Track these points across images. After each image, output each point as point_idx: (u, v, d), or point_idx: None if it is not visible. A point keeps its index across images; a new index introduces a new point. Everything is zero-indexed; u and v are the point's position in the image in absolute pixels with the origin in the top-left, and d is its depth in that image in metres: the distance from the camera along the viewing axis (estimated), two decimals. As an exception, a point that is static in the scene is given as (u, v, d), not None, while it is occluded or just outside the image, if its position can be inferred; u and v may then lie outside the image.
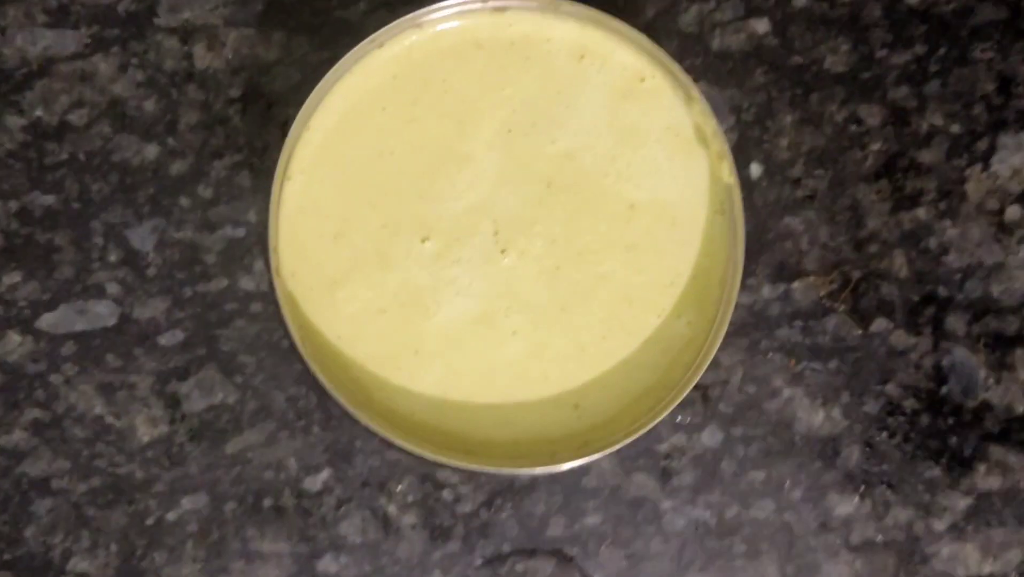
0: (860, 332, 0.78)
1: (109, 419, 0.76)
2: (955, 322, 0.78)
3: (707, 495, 0.77)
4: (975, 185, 0.78)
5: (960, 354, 0.78)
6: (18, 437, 0.75)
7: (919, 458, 0.78)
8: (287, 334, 0.74)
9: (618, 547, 0.77)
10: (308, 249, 0.73)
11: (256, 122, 0.77)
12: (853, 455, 0.78)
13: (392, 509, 0.77)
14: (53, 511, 0.76)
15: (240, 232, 0.76)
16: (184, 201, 0.76)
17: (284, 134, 0.72)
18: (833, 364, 0.78)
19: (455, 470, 0.76)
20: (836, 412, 0.78)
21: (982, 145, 0.78)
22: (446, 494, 0.77)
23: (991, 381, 0.78)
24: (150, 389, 0.76)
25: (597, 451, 0.72)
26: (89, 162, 0.76)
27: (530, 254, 0.73)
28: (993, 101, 0.78)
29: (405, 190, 0.73)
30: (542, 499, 0.77)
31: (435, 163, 0.73)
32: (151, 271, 0.76)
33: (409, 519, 0.77)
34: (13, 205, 0.76)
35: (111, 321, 0.76)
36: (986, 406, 0.78)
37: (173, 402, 0.76)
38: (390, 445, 0.74)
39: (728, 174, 0.72)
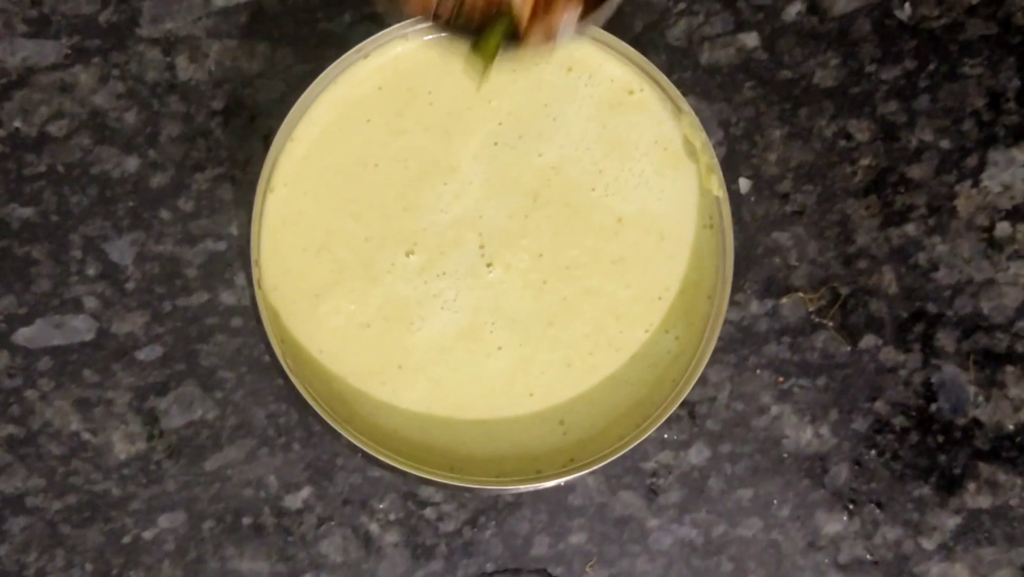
0: (849, 349, 0.77)
1: (85, 435, 0.75)
2: (945, 339, 0.78)
3: (694, 513, 0.77)
4: (965, 201, 0.78)
5: (950, 371, 0.78)
6: (-8, 453, 0.74)
7: (908, 476, 0.77)
8: (268, 349, 0.74)
9: (603, 566, 0.77)
10: (291, 262, 0.72)
11: (238, 134, 0.76)
12: (842, 473, 0.77)
13: (374, 527, 0.76)
14: (27, 529, 0.74)
15: (221, 246, 0.76)
16: (164, 214, 0.75)
17: (267, 146, 0.71)
18: (822, 381, 0.77)
19: (438, 488, 0.75)
20: (824, 429, 0.77)
21: (972, 161, 0.78)
22: (429, 512, 0.76)
23: (981, 398, 0.77)
24: (128, 405, 0.75)
25: (583, 468, 0.71)
26: (68, 174, 0.75)
27: (516, 268, 0.73)
28: (983, 117, 0.78)
29: (390, 202, 0.73)
30: (527, 517, 0.76)
31: (420, 175, 0.72)
32: (130, 285, 0.75)
33: (391, 538, 0.76)
34: (-10, 217, 0.75)
35: (89, 336, 0.75)
36: (976, 423, 0.77)
37: (151, 418, 0.75)
38: (373, 461, 0.74)
39: (717, 187, 0.71)
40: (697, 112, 0.72)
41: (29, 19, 0.75)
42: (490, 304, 0.73)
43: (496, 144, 0.73)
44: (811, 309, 0.77)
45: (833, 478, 0.77)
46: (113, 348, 0.75)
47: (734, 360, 0.77)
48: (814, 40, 0.78)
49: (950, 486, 0.77)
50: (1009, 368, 0.78)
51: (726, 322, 0.74)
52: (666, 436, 0.77)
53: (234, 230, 0.76)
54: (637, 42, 0.73)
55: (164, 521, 0.75)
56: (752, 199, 0.77)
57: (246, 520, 0.75)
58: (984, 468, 0.77)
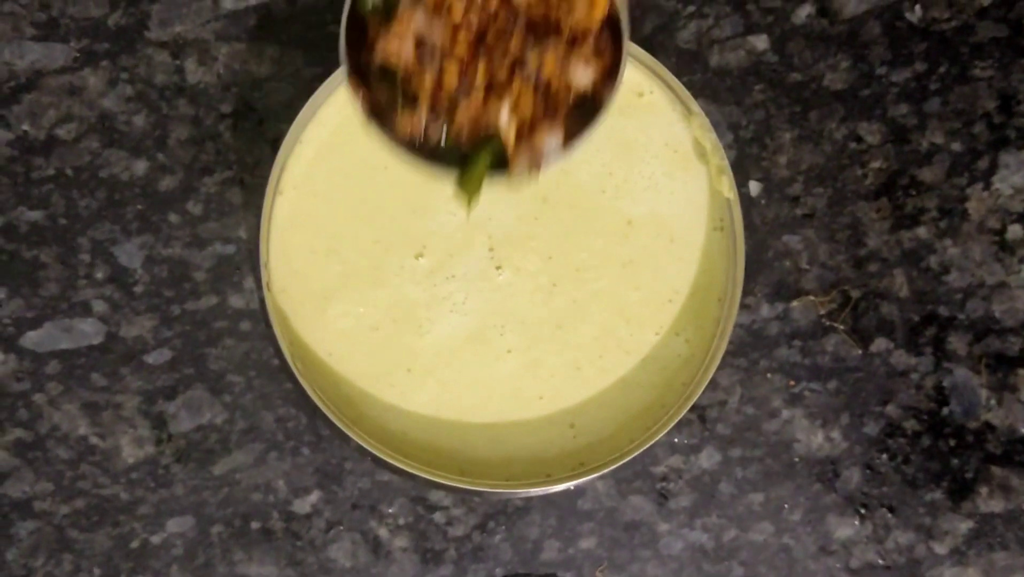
0: (860, 352, 0.77)
1: (94, 439, 0.75)
2: (956, 342, 0.77)
3: (704, 518, 0.76)
4: (976, 204, 0.78)
5: (961, 375, 0.77)
6: (0, 457, 0.74)
7: (920, 480, 0.77)
8: (277, 352, 0.74)
9: (614, 571, 0.76)
10: (299, 265, 0.72)
11: (247, 138, 0.76)
12: (853, 477, 0.77)
13: (383, 532, 0.75)
14: (35, 533, 0.74)
15: (230, 249, 0.75)
16: (173, 217, 0.75)
17: (275, 150, 0.71)
18: (833, 385, 0.77)
19: (447, 492, 0.75)
20: (836, 433, 0.77)
21: (983, 163, 0.78)
22: (438, 517, 0.76)
23: (993, 402, 0.77)
24: (136, 409, 0.75)
25: (593, 471, 0.71)
26: (77, 177, 0.75)
27: (525, 270, 0.73)
28: (994, 119, 0.78)
29: (399, 205, 0.72)
30: (536, 522, 0.76)
31: (429, 178, 0.72)
32: (138, 288, 0.75)
33: (400, 542, 0.75)
34: (-2, 220, 0.75)
35: (97, 339, 0.75)
36: (988, 427, 0.77)
37: (159, 422, 0.75)
38: (381, 464, 0.73)
39: (728, 188, 0.71)
40: (707, 115, 0.72)
41: (38, 22, 0.75)
42: (499, 307, 0.73)
43: (505, 146, 0.73)
44: (822, 312, 0.77)
45: (844, 482, 0.77)
46: (121, 352, 0.75)
47: (744, 364, 0.77)
48: (824, 43, 0.77)
49: (962, 490, 0.77)
50: (1021, 371, 0.77)
51: (736, 325, 0.74)
52: (676, 440, 0.76)
53: (243, 233, 0.75)
54: (646, 45, 0.73)
55: (172, 525, 0.75)
56: (762, 202, 0.77)
57: (255, 524, 0.75)
58: (996, 472, 0.77)
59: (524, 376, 0.73)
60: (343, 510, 0.75)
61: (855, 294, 0.77)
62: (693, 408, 0.73)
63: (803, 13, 0.77)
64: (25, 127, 0.75)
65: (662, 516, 0.76)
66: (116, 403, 0.75)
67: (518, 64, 0.64)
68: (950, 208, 0.77)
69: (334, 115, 0.72)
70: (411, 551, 0.76)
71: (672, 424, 0.71)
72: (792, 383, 0.77)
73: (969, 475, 0.77)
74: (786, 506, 0.77)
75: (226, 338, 0.75)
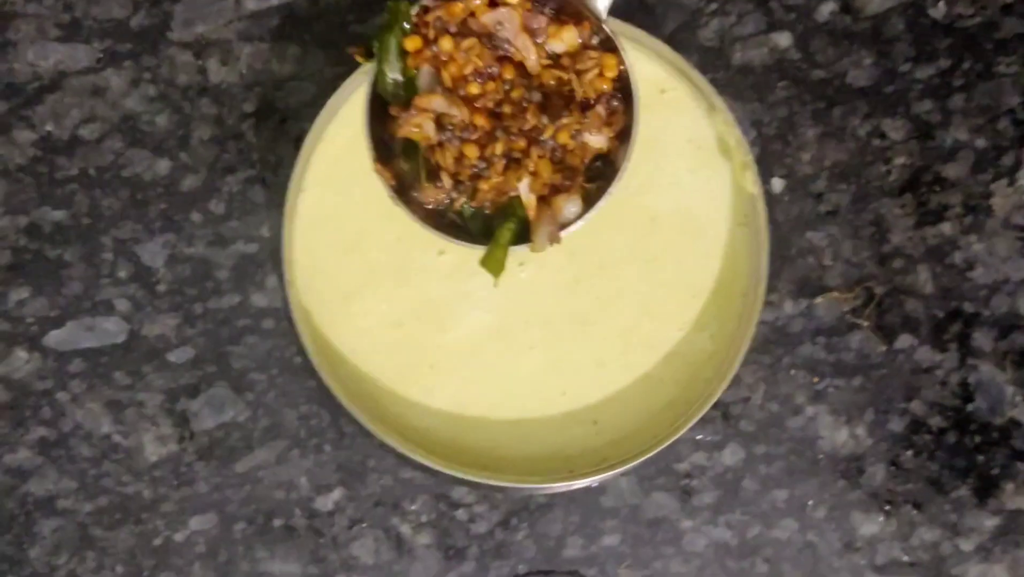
0: (884, 349, 0.77)
1: (117, 437, 0.75)
2: (981, 338, 0.77)
3: (728, 514, 0.76)
4: (1001, 200, 0.77)
5: (987, 371, 0.77)
6: (23, 456, 0.75)
7: (945, 477, 0.77)
8: (300, 349, 0.74)
9: (637, 568, 0.76)
10: (322, 262, 0.72)
11: (269, 137, 0.76)
12: (878, 474, 0.77)
13: (405, 529, 0.76)
14: (58, 531, 0.75)
15: (252, 248, 0.76)
16: (196, 216, 0.76)
17: (297, 149, 0.71)
18: (857, 381, 0.77)
19: (470, 489, 0.75)
20: (860, 430, 0.77)
21: (1008, 160, 0.77)
22: (461, 514, 0.76)
23: (1018, 398, 0.77)
24: (159, 407, 0.75)
25: (616, 467, 0.71)
26: (100, 177, 0.75)
27: (549, 267, 0.72)
28: (1018, 115, 0.77)
29: (421, 202, 0.72)
30: (559, 519, 0.76)
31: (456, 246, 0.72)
32: (161, 287, 0.75)
33: (423, 539, 0.76)
34: (22, 220, 0.75)
35: (120, 338, 0.75)
36: (1013, 423, 0.77)
37: (182, 420, 0.75)
38: (404, 461, 0.73)
39: (752, 183, 0.71)
40: (730, 112, 0.72)
41: (61, 24, 0.76)
42: (522, 303, 0.72)
43: (529, 143, 0.73)
44: (846, 309, 0.77)
45: (869, 479, 0.77)
46: (144, 350, 0.75)
47: (768, 360, 0.77)
48: (847, 39, 0.77)
49: (988, 487, 0.77)
50: (1047, 368, 0.77)
51: (760, 322, 0.73)
52: (700, 437, 0.76)
53: (265, 232, 0.76)
54: (669, 42, 0.73)
55: (195, 523, 0.75)
56: (786, 199, 0.77)
57: (277, 522, 0.75)
58: (1022, 468, 0.77)
59: (547, 372, 0.73)
60: (366, 507, 0.75)
61: (879, 290, 0.77)
62: (717, 405, 0.73)
63: (826, 10, 0.77)
64: (49, 127, 0.75)
65: (685, 513, 0.76)
66: (139, 401, 0.75)
67: (535, 135, 0.67)
68: (974, 204, 0.77)
69: (357, 113, 0.72)
70: (434, 548, 0.76)
71: (696, 420, 0.71)
72: (816, 379, 0.77)
73: (995, 472, 0.77)
74: (810, 503, 0.76)
75: (248, 336, 0.75)
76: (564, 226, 0.68)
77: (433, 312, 0.72)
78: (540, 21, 0.66)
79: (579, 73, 0.67)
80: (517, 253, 0.71)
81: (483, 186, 0.67)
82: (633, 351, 0.73)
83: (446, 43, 0.66)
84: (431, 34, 0.66)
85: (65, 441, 0.75)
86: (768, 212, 0.72)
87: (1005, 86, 0.78)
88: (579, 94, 0.67)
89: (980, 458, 0.77)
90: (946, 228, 0.77)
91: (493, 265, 0.69)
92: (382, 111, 0.68)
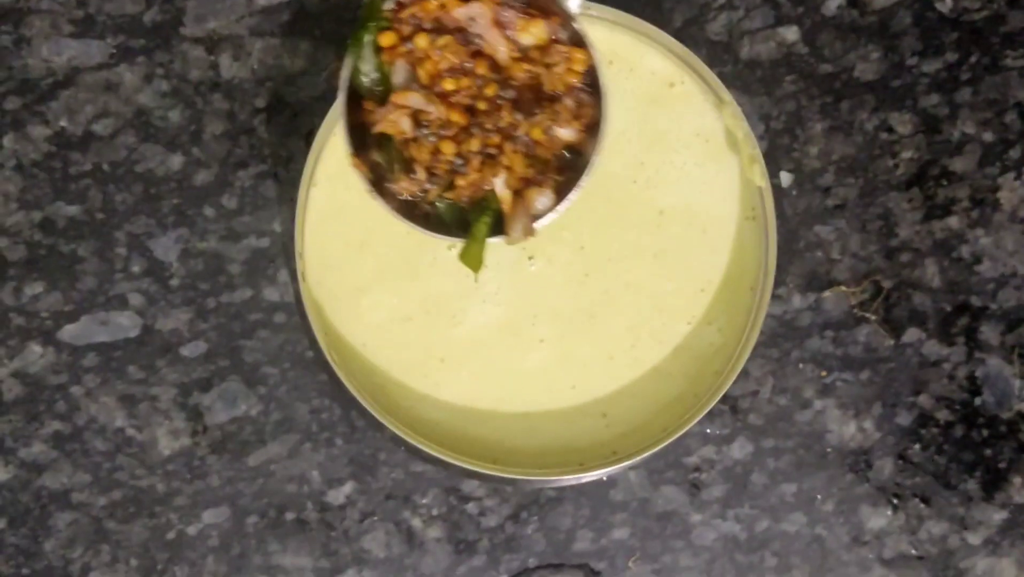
0: (892, 342, 0.77)
1: (130, 431, 0.75)
2: (989, 332, 0.77)
3: (737, 508, 0.76)
4: (1008, 193, 0.77)
5: (994, 364, 0.77)
6: (38, 450, 0.75)
7: (953, 471, 0.77)
8: (312, 344, 0.74)
9: (646, 562, 0.76)
10: (334, 256, 0.73)
11: (281, 132, 0.76)
12: (886, 468, 0.77)
13: (416, 523, 0.76)
14: (73, 525, 0.75)
15: (264, 242, 0.76)
16: (208, 211, 0.76)
17: (309, 144, 0.72)
18: (865, 375, 0.77)
19: (481, 482, 0.75)
20: (868, 424, 0.77)
21: (1015, 153, 0.77)
22: (471, 507, 0.76)
23: (1026, 392, 0.77)
24: (172, 401, 0.75)
25: (625, 460, 0.71)
26: (113, 172, 0.76)
27: (558, 261, 0.73)
28: (1025, 108, 0.78)
29: (432, 196, 0.73)
30: (569, 512, 0.76)
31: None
32: (174, 282, 0.76)
33: (434, 533, 0.76)
34: (36, 215, 0.75)
35: (133, 332, 0.76)
36: (1021, 417, 0.77)
37: (195, 414, 0.75)
38: (415, 454, 0.74)
39: (760, 177, 0.71)
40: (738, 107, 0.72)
41: (75, 19, 0.76)
42: (532, 297, 0.73)
43: (538, 138, 0.73)
44: (854, 303, 0.77)
45: (877, 473, 0.77)
46: (158, 344, 0.76)
47: (776, 354, 0.77)
48: (855, 33, 0.77)
49: (996, 480, 0.77)
50: (1055, 361, 0.77)
51: (768, 316, 0.74)
52: (708, 431, 0.76)
53: (277, 227, 0.76)
54: (677, 37, 0.73)
55: (208, 516, 0.75)
56: (793, 193, 0.77)
57: (289, 515, 0.75)
58: (1030, 462, 0.77)
59: (556, 366, 0.73)
60: (377, 501, 0.76)
61: (887, 284, 0.77)
62: (725, 399, 0.73)
63: (833, 4, 0.77)
64: (63, 123, 0.76)
65: (694, 507, 0.76)
66: (152, 395, 0.75)
67: (509, 131, 0.67)
68: (982, 198, 0.77)
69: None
70: (444, 541, 0.76)
71: (704, 413, 0.71)
72: (824, 373, 0.77)
73: (1002, 465, 0.77)
74: (819, 497, 0.77)
75: (261, 330, 0.76)
76: (536, 218, 0.68)
77: (443, 306, 0.73)
78: (510, 15, 0.66)
79: (548, 67, 0.67)
80: (527, 247, 0.72)
81: (460, 182, 0.67)
82: (642, 345, 0.73)
83: (421, 40, 0.66)
84: (405, 30, 0.66)
85: (79, 435, 0.75)
86: (776, 206, 0.73)
87: (1012, 79, 0.78)
88: (548, 87, 0.67)
89: (988, 452, 0.77)
90: (953, 222, 0.77)
91: (472, 260, 0.69)
92: (357, 102, 0.68)
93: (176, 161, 0.76)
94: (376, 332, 0.73)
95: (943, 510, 0.77)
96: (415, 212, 0.68)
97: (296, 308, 0.75)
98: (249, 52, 0.77)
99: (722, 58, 0.77)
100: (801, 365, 0.77)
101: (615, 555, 0.76)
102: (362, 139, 0.68)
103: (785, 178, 0.77)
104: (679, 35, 0.74)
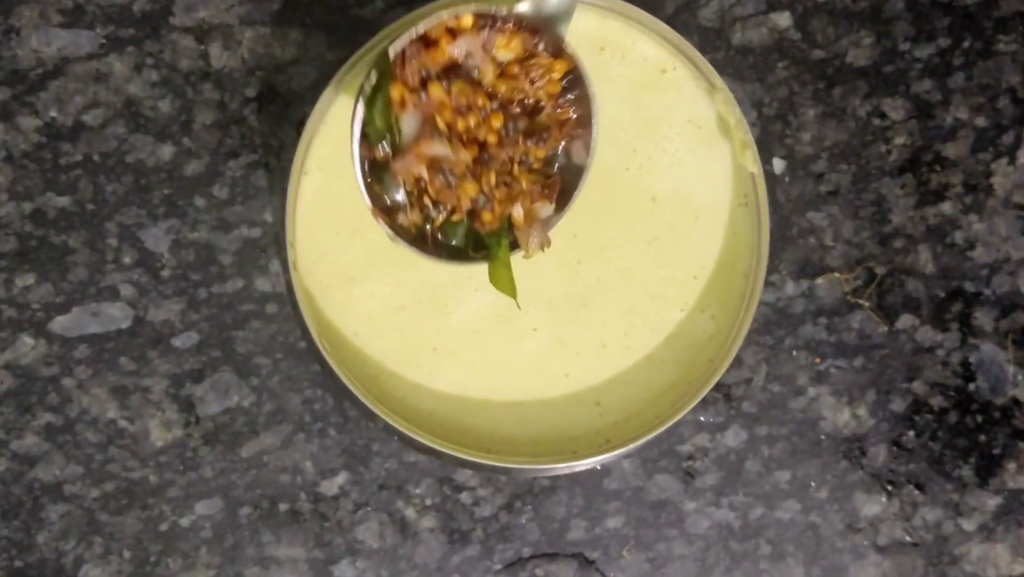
0: (886, 329, 0.77)
1: (122, 423, 0.75)
2: (982, 318, 0.77)
3: (731, 496, 0.76)
4: (1001, 179, 0.77)
5: (988, 350, 0.77)
6: (30, 442, 0.75)
7: (947, 457, 0.77)
8: (304, 334, 0.74)
9: (640, 550, 0.76)
10: (325, 246, 0.72)
11: (272, 121, 0.76)
12: (880, 454, 0.77)
13: (410, 513, 0.76)
14: (65, 517, 0.75)
15: (256, 232, 0.76)
16: (199, 201, 0.76)
17: (300, 133, 0.72)
18: (858, 362, 0.77)
19: (474, 472, 0.75)
20: (862, 411, 0.77)
21: (1008, 138, 0.77)
22: (465, 497, 0.76)
23: (1020, 377, 0.77)
24: (164, 392, 0.75)
25: (618, 448, 0.71)
26: (104, 163, 0.76)
27: (550, 249, 0.72)
28: (1019, 94, 0.77)
29: (423, 185, 0.73)
30: (563, 501, 0.76)
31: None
32: (166, 273, 0.75)
33: (427, 523, 0.76)
34: (27, 207, 0.75)
35: (125, 323, 0.75)
36: (1015, 403, 0.77)
37: (187, 405, 0.75)
38: (408, 444, 0.73)
39: (752, 163, 0.71)
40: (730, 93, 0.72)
41: (64, 9, 0.76)
42: (524, 285, 0.72)
43: (528, 125, 0.73)
44: (847, 289, 0.77)
45: (871, 460, 0.77)
46: (149, 336, 0.75)
47: (770, 342, 0.77)
48: (847, 19, 0.77)
49: (990, 466, 0.77)
50: (1048, 346, 0.77)
51: (761, 303, 0.74)
52: (702, 419, 0.76)
53: (268, 217, 0.76)
54: (669, 23, 0.73)
55: (201, 508, 0.75)
56: (786, 179, 0.77)
57: (282, 506, 0.75)
58: (1024, 448, 0.77)
59: (549, 354, 0.73)
60: (370, 491, 0.76)
61: (880, 271, 0.77)
62: (719, 386, 0.73)
63: (825, -10, 0.77)
64: (52, 114, 0.75)
65: (688, 495, 0.76)
66: (144, 387, 0.75)
67: (520, 157, 0.67)
68: (975, 183, 0.77)
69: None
70: (438, 531, 0.76)
71: (697, 400, 0.71)
72: (818, 360, 0.77)
73: (996, 451, 0.77)
74: (813, 484, 0.77)
75: (253, 321, 0.76)
76: (546, 227, 0.69)
77: (436, 295, 0.73)
78: (491, 36, 0.66)
79: (532, 81, 0.67)
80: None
81: (487, 217, 0.67)
82: (635, 332, 0.73)
83: (436, 90, 0.65)
84: (411, 80, 0.66)
85: (71, 427, 0.75)
86: (769, 193, 0.72)
87: (1005, 64, 0.78)
88: (531, 99, 0.67)
89: (982, 438, 0.77)
90: (946, 208, 0.77)
91: (506, 285, 0.69)
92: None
93: (167, 151, 0.76)
94: (368, 321, 0.73)
95: (937, 496, 0.77)
96: (424, 240, 0.68)
97: (288, 298, 0.75)
98: (239, 41, 0.76)
99: (714, 44, 0.77)
100: (795, 352, 0.77)
101: (609, 544, 0.76)
102: (374, 170, 0.67)
103: (778, 164, 0.77)
104: (671, 21, 0.74)
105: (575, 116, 0.68)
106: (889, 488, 0.77)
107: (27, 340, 0.75)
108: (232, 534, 0.75)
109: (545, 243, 0.68)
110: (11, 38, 0.75)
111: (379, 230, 0.72)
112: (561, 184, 0.69)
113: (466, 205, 0.67)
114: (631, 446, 0.71)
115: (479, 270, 0.72)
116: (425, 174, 0.66)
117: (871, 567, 0.77)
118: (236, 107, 0.76)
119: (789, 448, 0.77)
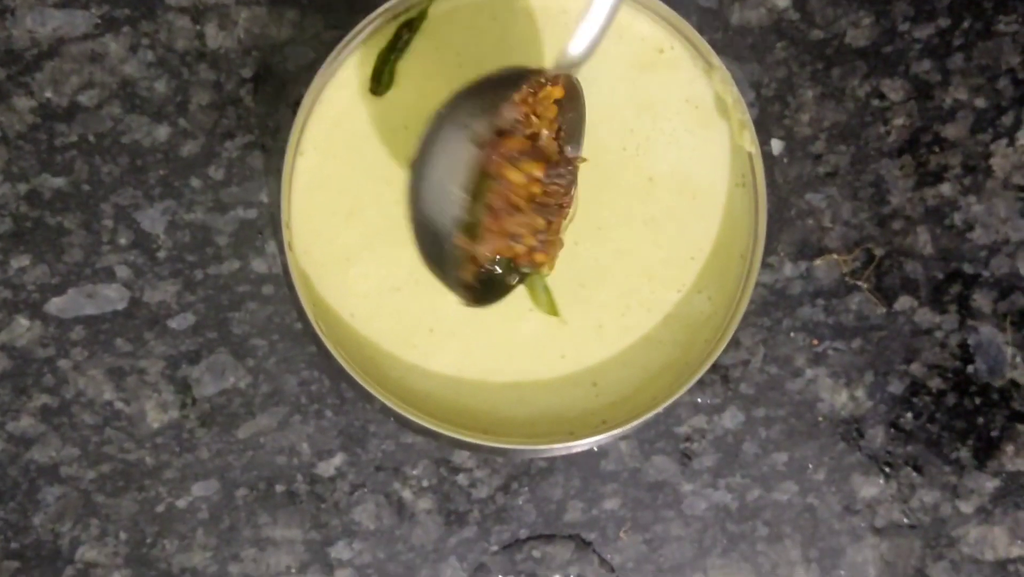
0: (884, 310, 0.77)
1: (119, 404, 0.75)
2: (981, 299, 0.77)
3: (728, 478, 0.76)
4: (1001, 160, 0.77)
5: (986, 332, 0.77)
6: (26, 423, 0.75)
7: (945, 439, 0.77)
8: (300, 315, 0.74)
9: (637, 532, 0.76)
10: (321, 226, 0.72)
11: (268, 102, 0.76)
12: (878, 436, 0.76)
13: (407, 494, 0.76)
14: (62, 498, 0.75)
15: (252, 213, 0.76)
16: (195, 182, 0.76)
17: (296, 114, 0.71)
18: (857, 343, 0.76)
19: (471, 453, 0.75)
20: (860, 392, 0.76)
21: (1007, 119, 0.77)
22: (462, 478, 0.76)
23: (1018, 360, 0.77)
24: (160, 374, 0.75)
25: (615, 428, 0.71)
26: (99, 144, 0.75)
27: (547, 230, 0.72)
28: (1018, 74, 0.77)
29: (420, 165, 0.72)
30: (560, 483, 0.76)
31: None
32: (161, 254, 0.75)
33: (424, 504, 0.76)
34: (22, 188, 0.75)
35: (121, 305, 0.75)
36: (1013, 385, 0.77)
37: (184, 387, 0.75)
38: (405, 425, 0.73)
39: (749, 142, 0.71)
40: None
41: (59, -11, 0.76)
42: (521, 266, 0.72)
43: (526, 105, 0.73)
44: (845, 271, 0.77)
45: (869, 441, 0.76)
46: (145, 317, 0.75)
47: (768, 323, 0.76)
48: (846, -1, 0.77)
49: (988, 448, 0.77)
50: (1047, 328, 0.77)
51: (759, 285, 0.74)
52: (699, 400, 0.76)
53: (264, 198, 0.75)
54: (667, 2, 0.73)
55: (197, 489, 0.75)
56: (785, 160, 0.77)
57: (279, 488, 0.75)
58: (1022, 430, 0.77)
59: (546, 335, 0.73)
60: (367, 472, 0.75)
61: (879, 252, 0.77)
62: (716, 368, 0.73)
63: (824, -30, 0.77)
64: (48, 94, 0.75)
65: (686, 476, 0.76)
66: (140, 368, 0.75)
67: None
68: (974, 165, 0.77)
69: (353, 76, 0.72)
70: (435, 513, 0.76)
71: (694, 381, 0.71)
72: (816, 342, 0.76)
73: (995, 433, 0.77)
74: (810, 466, 0.76)
75: (249, 302, 0.75)
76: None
77: (432, 276, 0.72)
78: (537, 100, 0.67)
79: (539, 116, 0.67)
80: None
81: (540, 257, 0.69)
82: (632, 313, 0.73)
83: (516, 176, 0.66)
84: (492, 168, 0.66)
85: (67, 408, 0.75)
86: (767, 174, 0.72)
87: (1005, 45, 0.77)
88: (538, 127, 0.68)
89: (980, 420, 0.77)
90: (945, 189, 0.77)
91: (550, 307, 0.72)
92: None
93: (162, 132, 0.76)
94: (364, 302, 0.72)
95: (935, 478, 0.77)
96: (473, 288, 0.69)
97: (284, 279, 0.75)
98: (235, 21, 0.76)
99: (712, 25, 0.77)
100: (792, 334, 0.76)
101: (606, 525, 0.76)
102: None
103: (776, 145, 0.77)
104: (669, 0, 0.74)
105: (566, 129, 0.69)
106: (887, 470, 0.76)
107: (23, 321, 0.75)
108: (228, 515, 0.75)
109: (561, 245, 0.70)
110: (6, 18, 0.75)
111: (374, 210, 0.72)
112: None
113: (523, 252, 0.68)
114: (628, 427, 0.71)
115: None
116: (503, 244, 0.67)
117: (868, 549, 0.77)
118: (232, 87, 0.76)
119: (786, 430, 0.76)
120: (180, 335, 0.75)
